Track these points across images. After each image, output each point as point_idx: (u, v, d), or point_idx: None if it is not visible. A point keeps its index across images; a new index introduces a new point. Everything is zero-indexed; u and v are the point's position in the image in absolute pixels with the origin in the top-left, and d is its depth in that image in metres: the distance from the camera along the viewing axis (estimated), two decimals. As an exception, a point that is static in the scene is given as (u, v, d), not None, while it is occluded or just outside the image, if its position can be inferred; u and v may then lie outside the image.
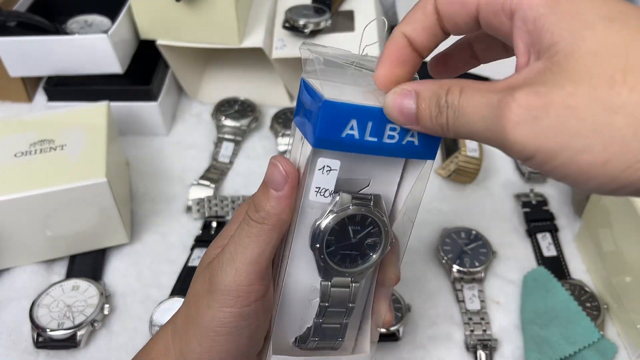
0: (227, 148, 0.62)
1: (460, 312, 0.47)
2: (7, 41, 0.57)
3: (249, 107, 0.65)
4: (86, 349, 0.45)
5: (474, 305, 0.48)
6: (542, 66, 0.20)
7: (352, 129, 0.25)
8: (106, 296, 0.47)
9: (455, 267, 0.49)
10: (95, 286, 0.47)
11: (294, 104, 0.68)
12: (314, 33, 0.63)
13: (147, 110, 0.62)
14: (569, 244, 0.53)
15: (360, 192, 0.29)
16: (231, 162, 0.61)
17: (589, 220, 0.51)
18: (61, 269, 0.50)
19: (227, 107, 0.65)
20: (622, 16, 0.20)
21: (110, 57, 0.57)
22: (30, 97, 0.68)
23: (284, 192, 0.27)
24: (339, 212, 0.28)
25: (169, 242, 0.53)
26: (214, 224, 0.54)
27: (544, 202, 0.56)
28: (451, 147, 0.59)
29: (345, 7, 0.68)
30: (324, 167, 0.27)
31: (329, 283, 0.29)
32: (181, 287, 0.48)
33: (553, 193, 0.57)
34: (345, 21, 0.66)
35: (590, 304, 0.47)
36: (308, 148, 0.26)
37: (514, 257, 0.52)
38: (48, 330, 0.44)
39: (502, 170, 0.60)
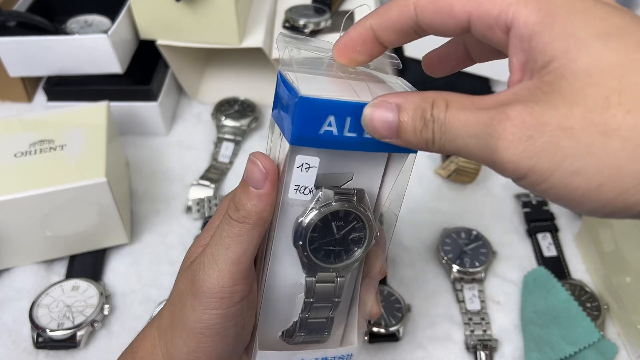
0: (227, 148, 0.62)
1: (461, 312, 0.47)
2: (7, 41, 0.57)
3: (249, 107, 0.65)
4: (86, 349, 0.45)
5: (474, 305, 0.48)
6: (533, 85, 0.20)
7: (330, 125, 0.24)
8: (106, 296, 0.47)
9: (455, 267, 0.49)
10: (95, 286, 0.47)
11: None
12: (314, 33, 0.63)
13: (147, 110, 0.62)
14: (569, 244, 0.53)
15: (342, 186, 0.28)
16: (231, 162, 0.61)
17: (589, 220, 0.50)
18: (61, 269, 0.50)
19: (227, 107, 0.65)
20: (619, 32, 0.19)
21: (110, 57, 0.57)
22: (30, 97, 0.68)
23: (265, 190, 0.26)
24: (322, 209, 0.27)
25: (169, 242, 0.53)
26: (214, 224, 0.54)
27: (544, 202, 0.56)
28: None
29: (345, 7, 0.68)
30: (302, 164, 0.26)
31: (314, 279, 0.29)
32: (181, 287, 0.48)
33: (553, 193, 0.57)
34: (345, 21, 0.66)
35: (591, 304, 0.47)
36: (286, 145, 0.25)
37: (514, 257, 0.52)
38: (48, 330, 0.44)
39: (502, 170, 0.60)
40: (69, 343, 0.44)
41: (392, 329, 0.45)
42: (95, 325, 0.45)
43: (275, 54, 0.63)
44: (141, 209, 0.56)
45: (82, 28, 0.61)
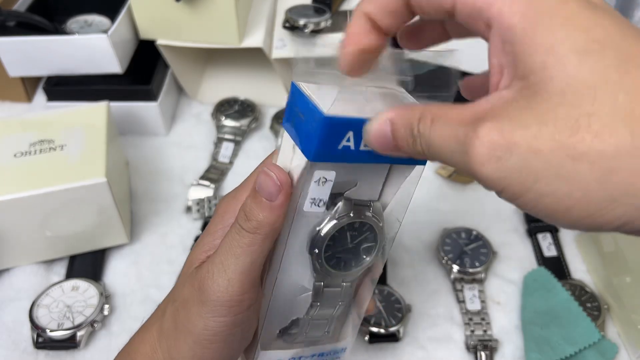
0: (227, 148, 0.62)
1: (461, 313, 0.47)
2: (7, 41, 0.57)
3: (249, 107, 0.65)
4: (86, 350, 0.45)
5: (474, 305, 0.48)
6: (510, 97, 0.20)
7: (348, 140, 0.25)
8: (106, 296, 0.47)
9: (456, 267, 0.49)
10: (95, 286, 0.47)
11: (294, 104, 0.68)
12: (314, 33, 0.63)
13: (146, 110, 0.62)
14: (569, 244, 0.53)
15: (346, 193, 0.29)
16: (231, 162, 0.61)
17: (589, 221, 0.50)
18: (61, 269, 0.50)
19: (227, 107, 0.65)
20: (599, 47, 0.19)
21: (110, 57, 0.57)
22: (29, 97, 0.68)
23: (278, 201, 0.26)
24: (340, 220, 0.28)
25: (169, 242, 0.53)
26: (214, 224, 0.54)
27: (544, 202, 0.56)
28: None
29: (345, 6, 0.68)
30: (319, 179, 0.27)
31: (322, 284, 0.30)
32: (181, 287, 0.48)
33: (553, 193, 0.57)
34: (345, 21, 0.66)
35: (591, 304, 0.47)
36: (303, 159, 0.26)
37: (515, 257, 0.52)
38: (48, 330, 0.44)
39: (502, 170, 0.60)
40: (69, 343, 0.44)
41: (392, 329, 0.44)
42: (95, 325, 0.45)
43: (275, 54, 0.63)
44: (141, 209, 0.56)
45: (82, 28, 0.61)
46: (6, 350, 0.44)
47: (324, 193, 0.27)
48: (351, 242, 0.29)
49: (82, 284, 0.47)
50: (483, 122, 0.20)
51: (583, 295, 0.47)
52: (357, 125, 0.25)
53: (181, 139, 0.64)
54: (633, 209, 0.18)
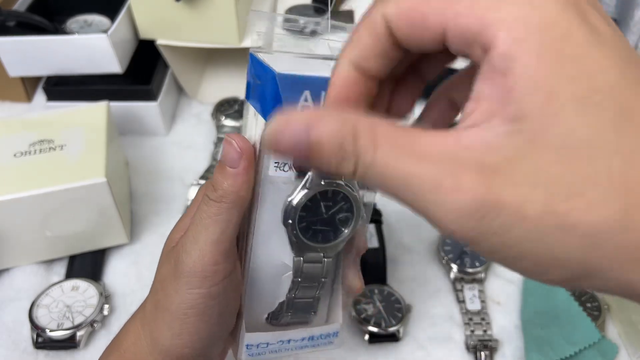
0: (227, 148, 0.62)
1: (461, 313, 0.47)
2: (7, 41, 0.57)
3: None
4: (86, 350, 0.45)
5: (474, 305, 0.48)
6: (500, 143, 0.17)
7: (305, 100, 0.25)
8: (106, 296, 0.47)
9: (456, 267, 0.49)
10: (94, 286, 0.47)
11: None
12: (314, 33, 0.63)
13: (146, 110, 0.62)
14: (569, 244, 0.53)
15: None
16: (231, 162, 0.61)
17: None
18: (61, 269, 0.50)
19: (227, 107, 0.65)
20: (599, 98, 0.16)
21: (110, 57, 0.57)
22: (29, 97, 0.68)
23: (240, 168, 0.27)
24: (311, 188, 0.28)
25: (169, 242, 0.53)
26: (214, 224, 0.54)
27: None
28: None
29: (345, 6, 0.68)
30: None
31: (302, 259, 0.30)
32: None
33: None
34: (345, 21, 0.66)
35: (591, 304, 0.47)
36: (262, 123, 0.26)
37: (515, 257, 0.52)
38: (47, 330, 0.44)
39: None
40: (69, 343, 0.44)
41: (392, 329, 0.44)
42: (95, 325, 0.45)
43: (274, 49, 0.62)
44: (141, 209, 0.56)
45: (82, 28, 0.61)
46: (6, 350, 0.44)
47: (278, 171, 0.28)
48: (326, 213, 0.29)
49: (82, 284, 0.47)
50: (466, 169, 0.17)
51: (583, 295, 0.47)
52: (312, 82, 0.25)
53: (181, 139, 0.64)
54: (602, 282, 0.17)
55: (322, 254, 0.30)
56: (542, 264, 0.17)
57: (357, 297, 0.47)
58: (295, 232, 0.29)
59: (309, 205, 0.28)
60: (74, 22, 0.62)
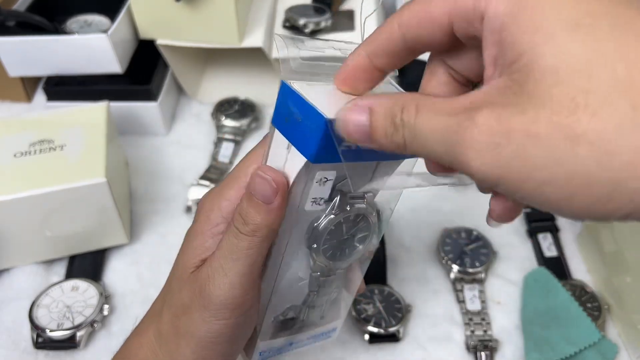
0: (227, 148, 0.62)
1: (461, 313, 0.47)
2: (6, 41, 0.57)
3: (249, 107, 0.65)
4: (85, 350, 0.45)
5: (474, 305, 0.47)
6: (504, 84, 0.19)
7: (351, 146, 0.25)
8: (106, 297, 0.47)
9: (456, 267, 0.49)
10: (94, 287, 0.47)
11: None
12: (314, 32, 0.63)
13: (146, 110, 0.62)
14: (569, 244, 0.53)
15: (337, 185, 0.29)
16: (231, 162, 0.61)
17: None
18: (60, 269, 0.50)
19: (227, 107, 0.65)
20: (591, 20, 0.17)
21: (110, 57, 0.57)
22: (29, 97, 0.68)
23: (276, 203, 0.26)
24: (338, 215, 0.28)
25: (169, 243, 0.53)
26: (214, 224, 0.54)
27: (544, 202, 0.56)
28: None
29: (345, 6, 0.68)
30: (320, 179, 0.27)
31: (319, 274, 0.30)
32: (181, 287, 0.48)
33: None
34: (345, 21, 0.66)
35: (591, 305, 0.47)
36: (301, 160, 0.25)
37: (515, 257, 0.52)
38: (47, 330, 0.44)
39: (502, 170, 0.60)
40: (69, 343, 0.44)
41: (392, 329, 0.44)
42: (95, 325, 0.45)
43: (275, 54, 0.62)
44: (141, 209, 0.56)
45: (82, 28, 0.61)
46: (6, 350, 0.44)
47: (325, 192, 0.27)
48: (346, 233, 0.30)
49: (81, 284, 0.47)
50: (480, 110, 0.19)
51: (583, 296, 0.47)
52: None
53: (181, 138, 0.64)
54: (633, 196, 0.16)
55: (337, 268, 0.31)
56: (564, 186, 0.17)
57: (357, 297, 0.47)
58: (318, 254, 0.29)
59: (333, 229, 0.29)
60: (74, 22, 0.62)
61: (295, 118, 0.25)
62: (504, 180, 0.18)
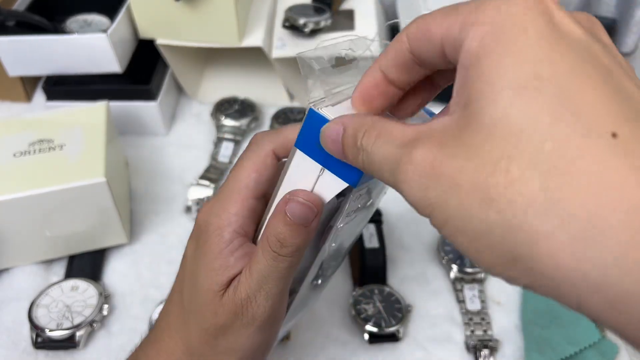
0: (226, 148, 0.61)
1: (461, 313, 0.47)
2: (6, 41, 0.57)
3: (248, 106, 0.65)
4: (85, 350, 0.45)
5: (474, 305, 0.47)
6: (449, 123, 0.19)
7: None
8: (105, 296, 0.47)
9: (456, 267, 0.49)
10: (94, 286, 0.47)
11: (293, 104, 0.68)
12: (314, 32, 0.63)
13: (146, 109, 0.62)
14: (569, 244, 0.53)
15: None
16: (231, 162, 0.61)
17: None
18: (60, 269, 0.50)
19: (227, 107, 0.65)
20: (539, 85, 0.17)
21: (110, 57, 0.57)
22: (29, 97, 0.67)
23: (313, 224, 0.27)
24: (350, 215, 0.29)
25: (169, 242, 0.53)
26: (214, 224, 0.54)
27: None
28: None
29: (345, 6, 0.68)
30: (357, 196, 0.27)
31: (322, 262, 0.34)
32: (181, 287, 0.48)
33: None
34: (345, 20, 0.66)
35: (591, 304, 0.47)
36: (340, 184, 0.26)
37: (515, 257, 0.52)
38: (47, 330, 0.44)
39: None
40: (68, 343, 0.44)
41: (392, 329, 0.44)
42: (95, 325, 0.45)
43: (275, 54, 0.62)
44: (141, 209, 0.56)
45: (82, 27, 0.61)
46: (6, 350, 0.44)
47: (356, 204, 0.28)
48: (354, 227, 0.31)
49: (81, 284, 0.47)
50: (417, 146, 0.19)
51: (583, 295, 0.47)
52: None
53: (181, 138, 0.64)
54: (530, 274, 0.17)
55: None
56: (472, 242, 0.18)
57: (357, 297, 0.47)
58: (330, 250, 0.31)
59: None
60: (73, 21, 0.62)
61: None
62: (431, 216, 0.19)
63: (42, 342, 0.44)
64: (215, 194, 0.32)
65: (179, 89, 0.69)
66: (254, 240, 0.30)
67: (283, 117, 0.64)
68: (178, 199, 0.57)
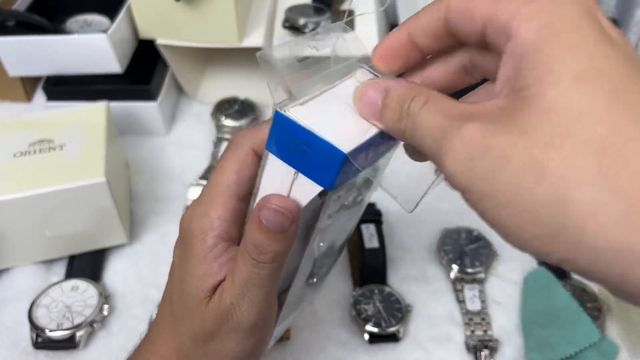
0: (226, 148, 0.61)
1: (461, 313, 0.47)
2: (6, 41, 0.57)
3: (248, 106, 0.65)
4: (85, 350, 0.45)
5: (474, 305, 0.47)
6: (502, 103, 0.20)
7: (361, 158, 0.25)
8: (105, 297, 0.47)
9: (456, 267, 0.49)
10: (94, 286, 0.47)
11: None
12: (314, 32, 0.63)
13: (146, 110, 0.62)
14: (569, 244, 0.53)
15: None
16: (231, 162, 0.61)
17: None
18: (60, 269, 0.50)
19: (227, 107, 0.65)
20: (597, 75, 0.18)
21: (110, 57, 0.57)
22: (29, 97, 0.67)
23: (291, 230, 0.26)
24: (333, 214, 0.29)
25: (169, 243, 0.53)
26: (214, 224, 0.54)
27: (544, 202, 0.56)
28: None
29: (345, 6, 0.68)
30: (335, 197, 0.27)
31: (314, 262, 0.33)
32: (181, 287, 0.48)
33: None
34: (346, 21, 0.66)
35: (591, 305, 0.47)
36: (315, 188, 0.25)
37: (515, 257, 0.52)
38: (47, 330, 0.44)
39: (502, 170, 0.60)
40: (68, 343, 0.44)
41: (392, 329, 0.44)
42: (95, 325, 0.45)
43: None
44: (141, 209, 0.56)
45: (82, 27, 0.61)
46: (6, 350, 0.44)
47: (338, 205, 0.28)
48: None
49: (81, 284, 0.47)
50: (470, 121, 0.20)
51: (583, 296, 0.47)
52: (369, 145, 0.24)
53: (181, 139, 0.64)
54: (575, 247, 0.18)
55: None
56: (516, 215, 0.19)
57: (357, 297, 0.47)
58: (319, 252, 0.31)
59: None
60: (73, 21, 0.62)
61: (301, 149, 0.24)
62: (469, 191, 0.20)
63: (42, 342, 0.44)
64: (196, 198, 0.31)
65: (179, 89, 0.69)
66: (240, 243, 0.30)
67: (283, 117, 0.64)
68: (178, 199, 0.57)
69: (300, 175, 0.25)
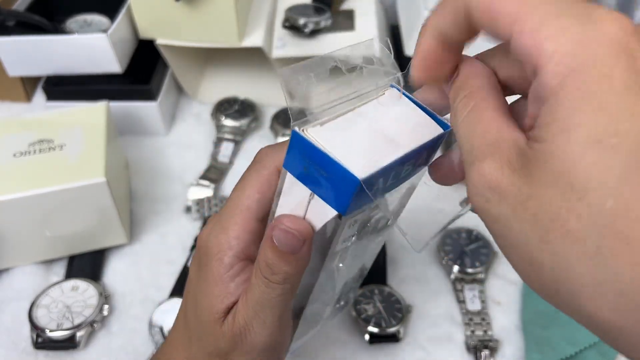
0: (227, 148, 0.61)
1: (461, 313, 0.47)
2: (6, 41, 0.57)
3: (248, 106, 0.65)
4: (85, 350, 0.45)
5: (474, 305, 0.47)
6: (524, 145, 0.19)
7: (379, 184, 0.24)
8: (105, 297, 0.47)
9: (456, 267, 0.49)
10: (94, 287, 0.47)
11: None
12: (314, 32, 0.63)
13: (146, 110, 0.62)
14: (569, 244, 0.53)
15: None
16: (231, 162, 0.61)
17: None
18: (60, 269, 0.50)
19: (227, 107, 0.65)
20: (616, 143, 0.17)
21: (110, 57, 0.57)
22: (29, 97, 0.67)
23: (303, 251, 0.26)
24: (350, 239, 0.29)
25: (169, 243, 0.53)
26: (214, 224, 0.54)
27: (544, 202, 0.56)
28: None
29: (345, 6, 0.68)
30: (350, 223, 0.27)
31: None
32: (180, 287, 0.48)
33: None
34: (345, 20, 0.66)
35: (592, 305, 0.47)
36: (330, 212, 0.25)
37: (515, 257, 0.52)
38: (47, 330, 0.44)
39: (502, 170, 0.60)
40: (69, 343, 0.44)
41: (392, 329, 0.44)
42: (95, 325, 0.45)
43: (275, 54, 0.62)
44: (141, 209, 0.56)
45: (82, 27, 0.61)
46: (6, 350, 0.44)
47: (354, 230, 0.28)
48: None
49: (81, 284, 0.47)
50: (491, 157, 0.20)
51: (583, 296, 0.47)
52: (386, 171, 0.23)
53: (181, 138, 0.64)
54: (572, 312, 0.20)
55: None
56: (523, 264, 0.20)
57: (357, 297, 0.47)
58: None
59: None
60: (73, 21, 0.62)
61: (317, 171, 0.23)
62: (486, 224, 0.21)
63: (42, 342, 0.44)
64: (216, 214, 0.30)
65: (179, 89, 0.69)
66: None
67: (283, 117, 0.64)
68: (178, 199, 0.57)
69: (316, 197, 0.25)
